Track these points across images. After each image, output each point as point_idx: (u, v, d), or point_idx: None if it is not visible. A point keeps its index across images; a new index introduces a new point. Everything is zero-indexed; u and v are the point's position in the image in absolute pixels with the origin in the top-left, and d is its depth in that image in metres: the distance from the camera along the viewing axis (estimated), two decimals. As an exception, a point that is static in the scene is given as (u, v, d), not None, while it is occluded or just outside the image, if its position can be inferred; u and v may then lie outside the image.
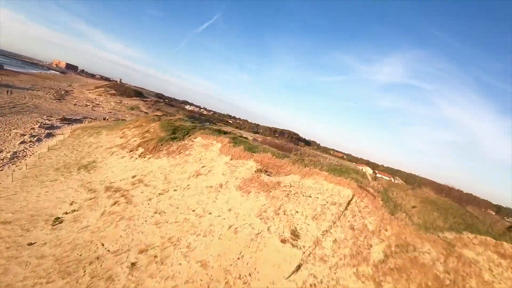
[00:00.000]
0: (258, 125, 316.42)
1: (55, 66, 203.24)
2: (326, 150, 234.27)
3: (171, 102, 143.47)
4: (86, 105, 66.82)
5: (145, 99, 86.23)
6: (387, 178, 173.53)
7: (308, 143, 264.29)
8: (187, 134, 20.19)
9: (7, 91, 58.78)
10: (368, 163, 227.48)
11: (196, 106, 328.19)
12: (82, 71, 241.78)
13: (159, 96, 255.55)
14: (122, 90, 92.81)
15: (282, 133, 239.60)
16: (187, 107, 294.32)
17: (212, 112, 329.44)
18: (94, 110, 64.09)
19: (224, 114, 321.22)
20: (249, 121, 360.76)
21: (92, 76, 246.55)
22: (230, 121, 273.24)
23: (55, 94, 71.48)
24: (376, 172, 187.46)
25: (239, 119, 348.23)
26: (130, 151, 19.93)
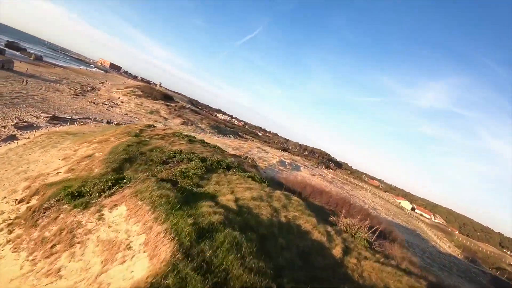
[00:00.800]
0: (287, 140, 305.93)
1: (99, 64, 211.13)
2: (359, 175, 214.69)
3: (199, 109, 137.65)
4: (103, 104, 60.75)
5: (170, 104, 79.54)
6: (428, 216, 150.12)
7: (339, 165, 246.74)
8: (109, 189, 9.24)
9: (23, 81, 54.37)
10: (405, 195, 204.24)
11: (229, 115, 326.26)
12: (125, 72, 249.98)
13: (193, 102, 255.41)
14: (149, 92, 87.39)
15: (312, 152, 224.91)
16: (219, 115, 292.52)
17: (243, 123, 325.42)
18: (109, 111, 57.61)
19: (255, 126, 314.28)
20: (279, 135, 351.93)
21: (134, 77, 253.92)
22: (259, 134, 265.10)
23: (77, 90, 66.90)
24: (415, 207, 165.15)
25: (269, 132, 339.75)
26: (19, 201, 10.25)
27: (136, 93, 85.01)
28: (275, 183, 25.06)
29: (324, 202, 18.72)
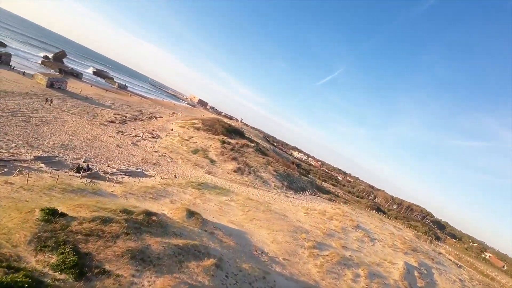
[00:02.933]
0: (373, 188, 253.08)
1: (189, 100, 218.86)
2: (469, 245, 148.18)
3: (272, 146, 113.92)
4: (135, 136, 42.20)
5: (228, 140, 57.66)
6: None
7: (441, 226, 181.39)
8: None
9: (47, 100, 40.78)
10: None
11: (305, 154, 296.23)
12: (212, 107, 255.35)
13: (268, 138, 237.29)
14: (211, 125, 68.61)
15: (409, 209, 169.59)
16: (295, 153, 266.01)
17: (320, 163, 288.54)
18: (135, 145, 38.09)
19: (333, 167, 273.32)
20: (360, 179, 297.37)
21: (219, 113, 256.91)
22: (339, 177, 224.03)
23: (121, 116, 51.90)
24: None
25: (349, 175, 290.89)
26: None
27: (196, 125, 67.09)
28: None
29: None
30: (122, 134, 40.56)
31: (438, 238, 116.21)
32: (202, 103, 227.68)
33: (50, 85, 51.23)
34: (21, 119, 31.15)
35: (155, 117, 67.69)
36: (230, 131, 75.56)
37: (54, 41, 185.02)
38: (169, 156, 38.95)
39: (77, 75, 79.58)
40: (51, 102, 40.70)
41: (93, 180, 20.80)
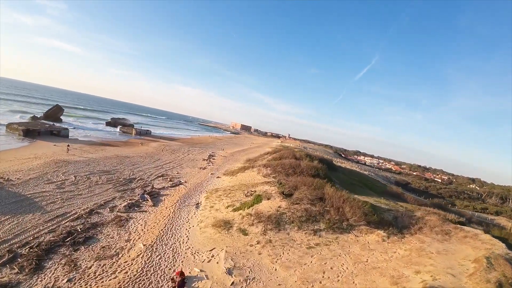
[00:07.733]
0: (474, 181, 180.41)
1: (231, 128, 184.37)
2: None
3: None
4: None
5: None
6: None
7: None
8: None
9: None
10: None
11: (370, 156, 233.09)
12: (255, 130, 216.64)
13: (336, 150, 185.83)
14: (298, 172, 24.63)
15: None
16: (361, 158, 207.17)
17: (393, 163, 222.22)
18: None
19: (415, 166, 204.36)
20: (444, 170, 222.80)
21: (264, 134, 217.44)
22: (436, 179, 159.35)
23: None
24: None
25: (430, 169, 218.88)
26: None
27: (264, 211, 23.31)
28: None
29: None
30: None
31: None
32: (245, 128, 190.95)
33: None
34: None
35: (166, 191, 26.20)
36: (329, 170, 30.48)
37: (107, 106, 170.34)
38: None
39: (59, 133, 46.43)
40: None
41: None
